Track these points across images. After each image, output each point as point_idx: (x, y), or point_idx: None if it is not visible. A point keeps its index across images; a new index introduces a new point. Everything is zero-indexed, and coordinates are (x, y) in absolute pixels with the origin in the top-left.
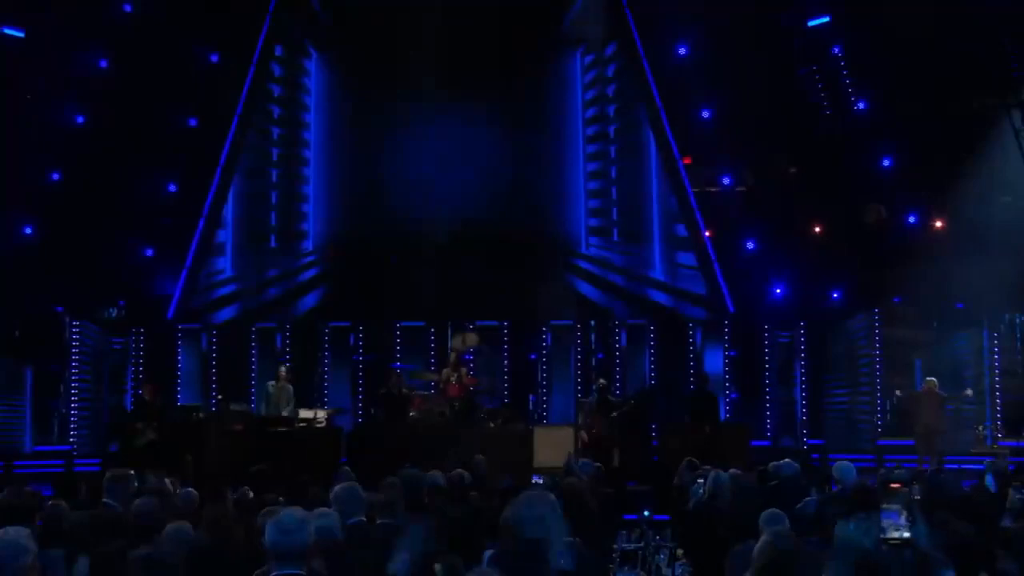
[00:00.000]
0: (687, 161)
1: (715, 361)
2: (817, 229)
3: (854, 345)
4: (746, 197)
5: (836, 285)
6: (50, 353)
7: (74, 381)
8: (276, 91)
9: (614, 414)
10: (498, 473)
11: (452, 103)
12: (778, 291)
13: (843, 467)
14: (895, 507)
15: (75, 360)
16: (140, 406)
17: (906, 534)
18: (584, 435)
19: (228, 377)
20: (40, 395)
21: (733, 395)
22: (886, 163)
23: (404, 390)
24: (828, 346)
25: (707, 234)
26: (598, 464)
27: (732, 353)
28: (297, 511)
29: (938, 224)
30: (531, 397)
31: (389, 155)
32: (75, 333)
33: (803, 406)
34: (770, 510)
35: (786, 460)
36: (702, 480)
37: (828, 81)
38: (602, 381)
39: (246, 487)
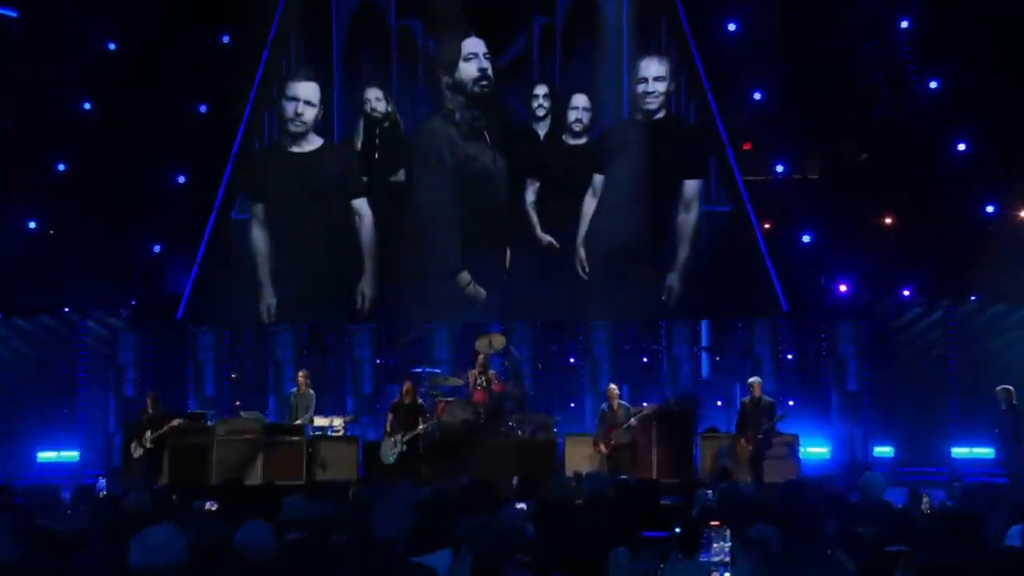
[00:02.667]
0: (747, 147)
1: (769, 363)
2: (888, 220)
3: (926, 346)
4: (801, 185)
5: (907, 280)
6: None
7: (82, 386)
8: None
9: (632, 421)
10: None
11: None
12: (842, 288)
13: (870, 479)
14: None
15: (83, 364)
16: (141, 416)
17: None
18: (602, 446)
19: (243, 381)
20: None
21: (788, 401)
22: (961, 148)
23: (419, 400)
24: (897, 347)
25: (766, 226)
26: (623, 477)
27: (788, 355)
28: (165, 528)
29: (1022, 214)
30: (571, 404)
31: None
32: (82, 335)
33: (868, 413)
34: None
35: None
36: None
37: (890, 58)
38: (612, 386)
39: (210, 502)
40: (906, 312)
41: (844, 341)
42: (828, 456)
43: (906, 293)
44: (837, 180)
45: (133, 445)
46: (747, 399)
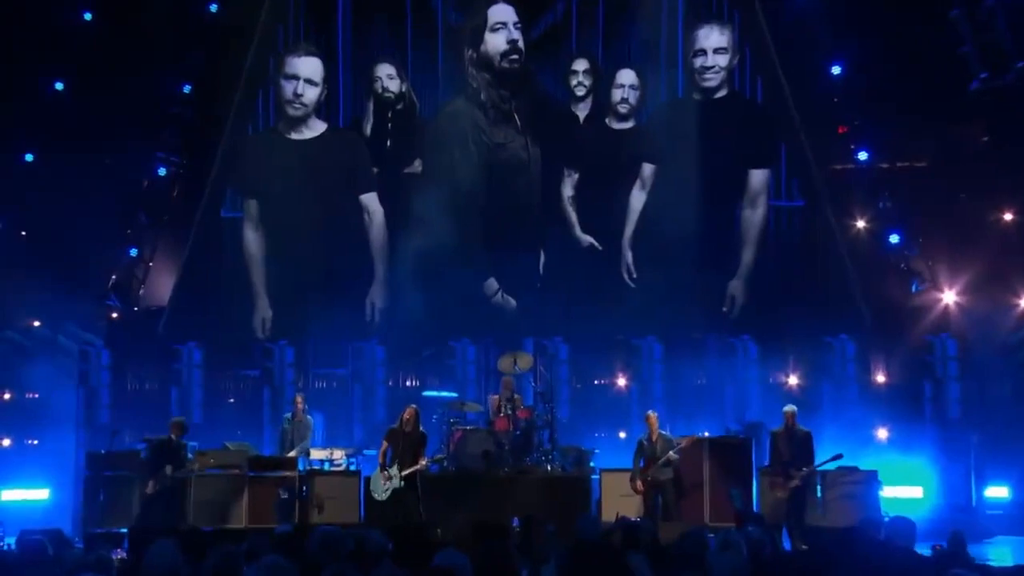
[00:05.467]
0: (842, 131)
1: (853, 387)
2: (1008, 216)
3: None
4: (888, 176)
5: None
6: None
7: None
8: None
9: (671, 454)
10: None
11: None
12: (940, 297)
13: (898, 524)
14: None
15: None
16: (164, 447)
17: None
18: (639, 482)
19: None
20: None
21: (864, 429)
22: None
23: (422, 429)
24: (1012, 368)
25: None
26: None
27: (875, 377)
28: None
29: None
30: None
31: None
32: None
33: (975, 446)
34: None
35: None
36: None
37: (984, 25)
38: (650, 413)
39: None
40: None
41: (944, 360)
42: (923, 498)
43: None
44: (936, 169)
45: (151, 482)
46: (779, 429)
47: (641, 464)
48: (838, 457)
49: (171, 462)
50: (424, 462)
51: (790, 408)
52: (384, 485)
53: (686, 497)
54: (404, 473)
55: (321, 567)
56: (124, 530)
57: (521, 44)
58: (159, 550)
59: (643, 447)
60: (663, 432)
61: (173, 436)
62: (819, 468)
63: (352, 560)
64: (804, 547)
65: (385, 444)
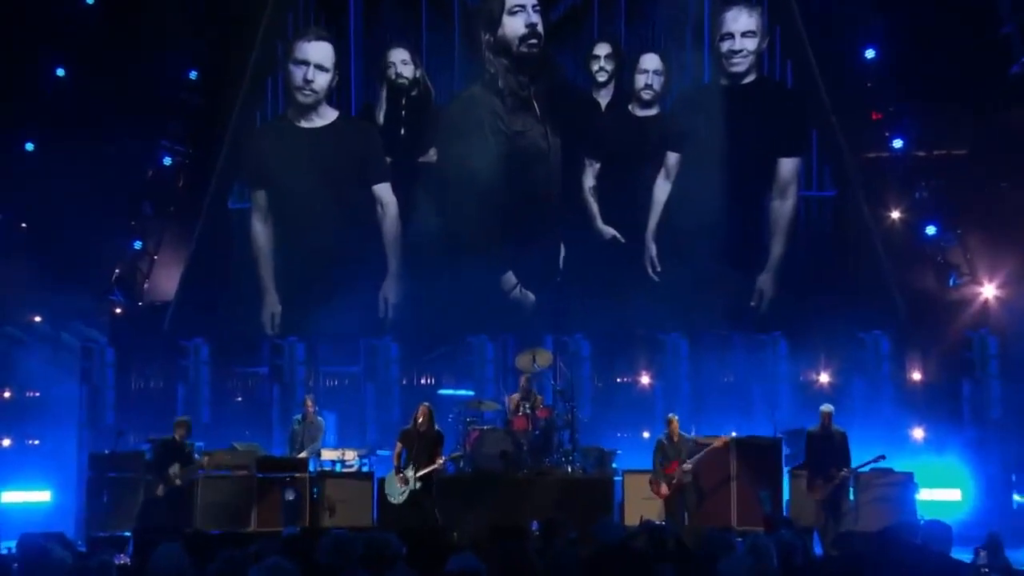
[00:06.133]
0: (876, 117)
1: (888, 386)
2: None
3: None
4: (925, 164)
5: None
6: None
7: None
8: None
9: (687, 464)
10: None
11: None
12: (980, 291)
13: (934, 528)
14: None
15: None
16: (169, 447)
17: None
18: (663, 486)
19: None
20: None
21: (899, 429)
22: None
23: (437, 428)
24: None
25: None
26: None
27: (911, 375)
28: None
29: None
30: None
31: None
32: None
33: (1017, 446)
34: None
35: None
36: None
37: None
38: (671, 416)
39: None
40: None
41: (983, 357)
42: (961, 501)
43: None
44: (975, 157)
45: (160, 484)
46: (815, 429)
47: (661, 466)
48: (881, 458)
49: (177, 463)
50: (441, 461)
51: (827, 407)
52: (400, 488)
53: (711, 499)
54: (420, 474)
55: (332, 571)
56: (128, 533)
57: (540, 28)
58: (165, 552)
59: (663, 448)
60: (685, 433)
61: (177, 436)
62: (860, 470)
63: (365, 564)
64: (834, 553)
65: (399, 446)
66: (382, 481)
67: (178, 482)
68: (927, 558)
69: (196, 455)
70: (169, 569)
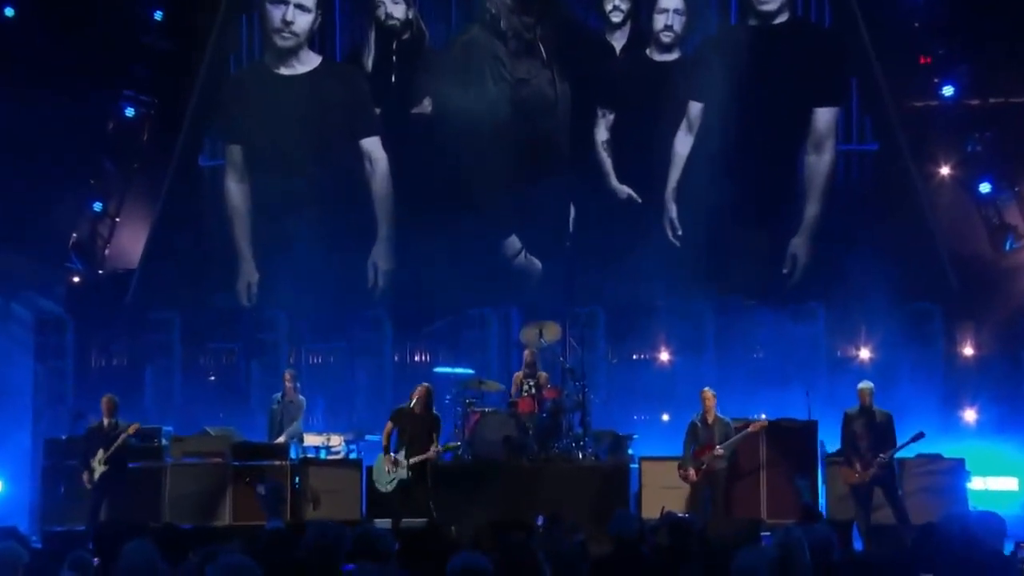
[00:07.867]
0: (924, 61)
1: (938, 362)
2: None
3: None
4: (979, 114)
5: None
6: None
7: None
8: None
9: (719, 448)
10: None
11: None
12: None
13: (986, 520)
14: None
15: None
16: (93, 434)
17: None
18: (691, 471)
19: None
20: None
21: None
22: None
23: (434, 411)
24: None
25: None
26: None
27: (963, 350)
28: None
29: None
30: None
31: None
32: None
33: None
34: None
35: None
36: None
37: None
38: (707, 390)
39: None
40: None
41: None
42: (1019, 491)
43: None
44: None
45: (86, 473)
46: (853, 410)
47: (692, 450)
48: (919, 437)
49: (100, 448)
50: (436, 449)
51: (866, 385)
52: (389, 474)
53: (740, 489)
54: (412, 462)
55: (316, 569)
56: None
57: None
58: (136, 549)
59: (696, 430)
60: (721, 415)
61: (106, 422)
62: (896, 453)
63: (353, 561)
64: (873, 549)
65: (390, 425)
66: (371, 469)
67: (103, 468)
68: (979, 554)
69: (135, 440)
70: (140, 568)
